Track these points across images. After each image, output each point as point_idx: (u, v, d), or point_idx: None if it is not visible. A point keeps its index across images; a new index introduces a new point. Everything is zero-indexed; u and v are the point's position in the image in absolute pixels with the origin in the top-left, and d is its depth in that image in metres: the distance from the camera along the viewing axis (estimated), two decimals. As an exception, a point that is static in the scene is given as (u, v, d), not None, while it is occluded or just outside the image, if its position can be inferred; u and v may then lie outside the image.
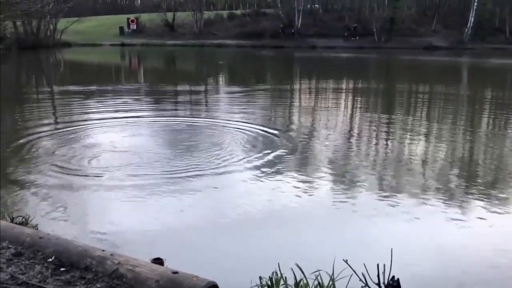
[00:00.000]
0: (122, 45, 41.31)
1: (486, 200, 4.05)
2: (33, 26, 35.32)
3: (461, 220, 3.63)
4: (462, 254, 3.10)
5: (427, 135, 6.77)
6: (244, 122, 7.62)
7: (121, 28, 48.64)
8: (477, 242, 3.29)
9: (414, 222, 3.59)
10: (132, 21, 49.30)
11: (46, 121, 7.86)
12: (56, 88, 13.46)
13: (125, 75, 19.17)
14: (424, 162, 5.28)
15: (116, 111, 8.61)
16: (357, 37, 44.22)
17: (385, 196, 4.10)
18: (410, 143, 6.21)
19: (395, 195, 4.12)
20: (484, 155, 5.87)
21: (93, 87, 12.86)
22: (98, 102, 10.07)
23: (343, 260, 2.26)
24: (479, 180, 4.71)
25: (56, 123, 7.99)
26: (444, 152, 5.78)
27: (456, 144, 6.34)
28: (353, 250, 3.02)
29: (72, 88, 12.95)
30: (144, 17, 49.38)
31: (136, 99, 10.81)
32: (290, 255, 2.88)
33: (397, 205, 3.90)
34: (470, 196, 4.18)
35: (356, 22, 47.30)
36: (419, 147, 6.00)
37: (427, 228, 3.49)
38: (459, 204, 3.98)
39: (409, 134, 6.81)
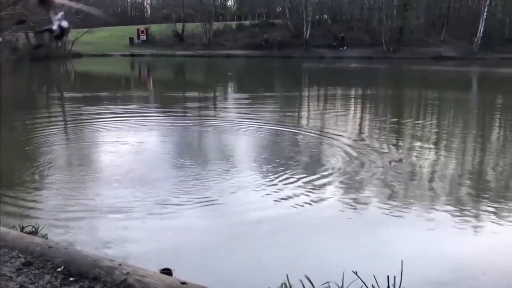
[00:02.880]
0: (132, 55, 41.72)
1: (500, 211, 3.99)
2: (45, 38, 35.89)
3: (474, 231, 3.58)
4: (475, 267, 3.05)
5: (448, 145, 6.71)
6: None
7: (131, 39, 49.20)
8: (490, 255, 3.24)
9: (425, 233, 3.54)
10: (142, 31, 49.87)
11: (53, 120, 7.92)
12: (66, 95, 13.59)
13: (134, 84, 19.31)
14: (436, 171, 5.23)
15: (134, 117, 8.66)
16: (345, 47, 44.32)
17: (396, 207, 4.06)
18: (421, 152, 6.15)
19: (406, 207, 4.08)
20: (496, 164, 5.79)
21: (104, 94, 12.97)
22: (108, 108, 10.16)
23: (353, 271, 2.24)
24: (493, 190, 4.65)
25: (65, 122, 8.09)
26: (457, 161, 5.72)
27: (470, 152, 6.27)
28: (363, 261, 2.98)
29: (81, 95, 13.07)
30: (154, 28, 49.93)
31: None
32: (299, 266, 2.86)
33: (409, 216, 3.86)
34: (483, 207, 4.12)
35: (366, 33, 47.38)
36: (431, 156, 5.95)
37: (438, 239, 3.45)
38: (472, 215, 3.92)
39: (426, 143, 6.76)
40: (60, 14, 1.65)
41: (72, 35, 38.98)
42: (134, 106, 10.78)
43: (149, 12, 73.97)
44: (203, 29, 47.58)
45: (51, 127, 8.22)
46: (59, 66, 28.08)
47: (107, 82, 20.53)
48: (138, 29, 50.33)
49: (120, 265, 2.14)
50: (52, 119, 9.42)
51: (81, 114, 9.75)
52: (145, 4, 78.23)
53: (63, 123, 9.14)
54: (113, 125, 8.40)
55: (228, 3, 66.59)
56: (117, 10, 72.57)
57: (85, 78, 23.30)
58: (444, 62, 35.73)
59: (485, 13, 43.68)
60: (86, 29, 42.03)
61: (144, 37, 49.15)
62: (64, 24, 1.65)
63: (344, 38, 45.49)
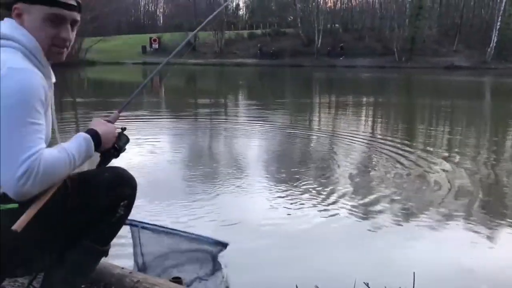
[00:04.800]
0: (144, 63, 42.14)
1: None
2: (59, 45, 36.41)
3: (491, 245, 3.51)
4: (491, 280, 3.00)
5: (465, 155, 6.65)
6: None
7: (144, 47, 49.71)
8: (505, 268, 3.19)
9: (438, 245, 3.49)
10: (155, 40, 50.44)
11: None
12: (79, 100, 13.78)
13: (147, 92, 19.47)
14: (451, 181, 5.17)
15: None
16: (343, 57, 44.57)
17: (410, 218, 4.02)
18: (437, 161, 6.09)
19: (419, 217, 4.04)
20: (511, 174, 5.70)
21: (117, 100, 13.08)
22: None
23: (364, 283, 2.22)
24: (509, 202, 4.59)
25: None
26: (472, 171, 5.65)
27: (487, 162, 6.18)
28: (374, 273, 2.95)
29: (94, 100, 13.24)
30: (166, 36, 50.46)
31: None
32: (310, 278, 2.84)
33: (422, 227, 3.81)
34: (500, 220, 4.05)
35: (377, 42, 47.40)
36: (446, 165, 5.88)
37: (453, 252, 3.40)
38: (488, 228, 3.86)
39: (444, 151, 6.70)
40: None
41: (86, 43, 39.61)
42: (146, 112, 10.86)
43: (161, 21, 74.90)
44: (215, 38, 48.01)
45: (64, 128, 8.28)
46: (73, 74, 28.42)
47: (120, 89, 20.77)
48: (150, 38, 50.93)
49: (130, 273, 2.15)
50: (64, 121, 9.53)
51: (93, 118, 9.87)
52: (157, 12, 79.26)
53: (75, 125, 9.22)
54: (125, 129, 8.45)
55: (240, 12, 67.22)
56: (130, 19, 73.55)
57: (99, 85, 23.59)
58: (456, 72, 35.51)
59: (498, 23, 43.48)
60: (99, 37, 42.72)
61: (157, 46, 49.72)
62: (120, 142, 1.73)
63: (343, 48, 45.73)
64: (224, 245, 2.29)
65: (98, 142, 1.57)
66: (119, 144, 1.70)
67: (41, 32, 1.48)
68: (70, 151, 1.44)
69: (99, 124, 1.64)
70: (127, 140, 1.76)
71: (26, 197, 1.35)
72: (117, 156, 1.74)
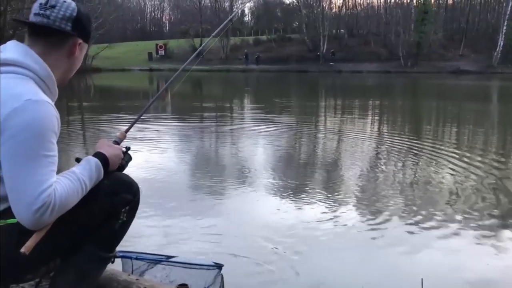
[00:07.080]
0: (151, 70, 42.33)
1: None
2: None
3: (498, 251, 3.47)
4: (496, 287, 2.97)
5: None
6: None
7: (150, 54, 50.02)
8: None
9: (446, 252, 3.46)
10: (161, 47, 50.77)
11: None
12: (86, 104, 13.86)
13: (153, 97, 19.54)
14: (460, 188, 5.13)
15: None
16: (333, 63, 44.80)
17: (418, 224, 3.99)
18: (447, 166, 6.05)
19: (427, 223, 4.01)
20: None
21: (123, 104, 13.18)
22: (126, 119, 10.26)
23: (372, 290, 2.20)
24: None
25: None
26: (482, 177, 5.60)
27: (496, 168, 6.14)
28: (382, 279, 2.93)
29: (100, 104, 13.29)
30: (172, 43, 50.77)
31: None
32: (317, 284, 2.82)
33: (431, 234, 3.78)
34: (508, 226, 4.01)
35: (383, 47, 47.42)
36: (456, 171, 5.84)
37: (460, 258, 3.36)
38: (495, 234, 3.82)
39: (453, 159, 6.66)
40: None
41: (92, 50, 39.91)
42: (152, 115, 10.88)
43: (167, 28, 75.42)
44: (221, 44, 48.17)
45: (70, 129, 8.34)
46: (80, 81, 28.62)
47: (126, 95, 20.87)
48: (156, 44, 51.28)
49: (137, 279, 2.14)
50: (71, 123, 9.60)
51: (99, 122, 9.92)
52: (163, 19, 79.84)
53: (81, 129, 9.28)
54: (129, 133, 8.47)
55: (245, 18, 67.50)
56: (136, 26, 74.13)
57: (105, 91, 23.73)
58: (463, 77, 35.35)
59: (504, 27, 43.34)
60: (106, 44, 43.06)
61: (163, 52, 50.05)
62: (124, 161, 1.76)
63: (334, 53, 45.99)
64: (219, 267, 2.29)
65: (106, 166, 1.59)
66: (122, 163, 1.72)
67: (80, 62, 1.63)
68: (82, 179, 1.46)
69: (106, 146, 1.65)
70: (130, 159, 1.78)
71: (40, 227, 1.38)
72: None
